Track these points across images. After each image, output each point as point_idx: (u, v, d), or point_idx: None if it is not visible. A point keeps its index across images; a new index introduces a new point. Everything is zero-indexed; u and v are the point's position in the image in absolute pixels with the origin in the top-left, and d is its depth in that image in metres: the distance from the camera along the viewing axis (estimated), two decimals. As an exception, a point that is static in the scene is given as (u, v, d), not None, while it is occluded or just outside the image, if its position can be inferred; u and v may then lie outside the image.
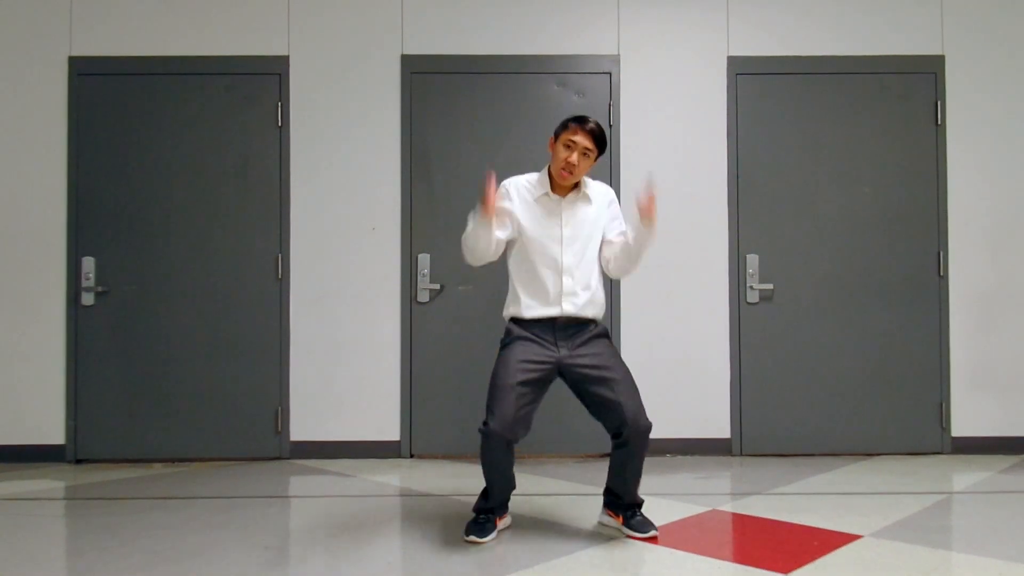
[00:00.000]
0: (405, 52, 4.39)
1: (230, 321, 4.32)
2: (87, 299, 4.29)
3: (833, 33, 4.41)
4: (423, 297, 4.34)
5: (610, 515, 2.94)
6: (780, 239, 4.37)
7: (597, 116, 4.31)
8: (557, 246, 2.81)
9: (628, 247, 2.83)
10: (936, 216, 4.37)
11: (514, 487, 2.88)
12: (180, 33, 4.38)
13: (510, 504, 2.98)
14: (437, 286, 4.33)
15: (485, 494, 2.85)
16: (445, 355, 4.32)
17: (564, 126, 2.84)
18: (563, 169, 2.79)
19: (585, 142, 2.78)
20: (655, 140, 4.40)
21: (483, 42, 4.40)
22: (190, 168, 4.35)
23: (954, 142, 4.39)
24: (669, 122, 4.40)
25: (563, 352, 2.77)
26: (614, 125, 4.37)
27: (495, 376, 2.73)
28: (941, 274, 4.36)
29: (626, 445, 2.72)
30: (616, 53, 4.41)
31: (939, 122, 4.39)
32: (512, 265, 2.91)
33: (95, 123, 4.34)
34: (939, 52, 4.41)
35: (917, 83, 4.41)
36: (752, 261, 4.36)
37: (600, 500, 3.02)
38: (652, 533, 2.79)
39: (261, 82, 4.38)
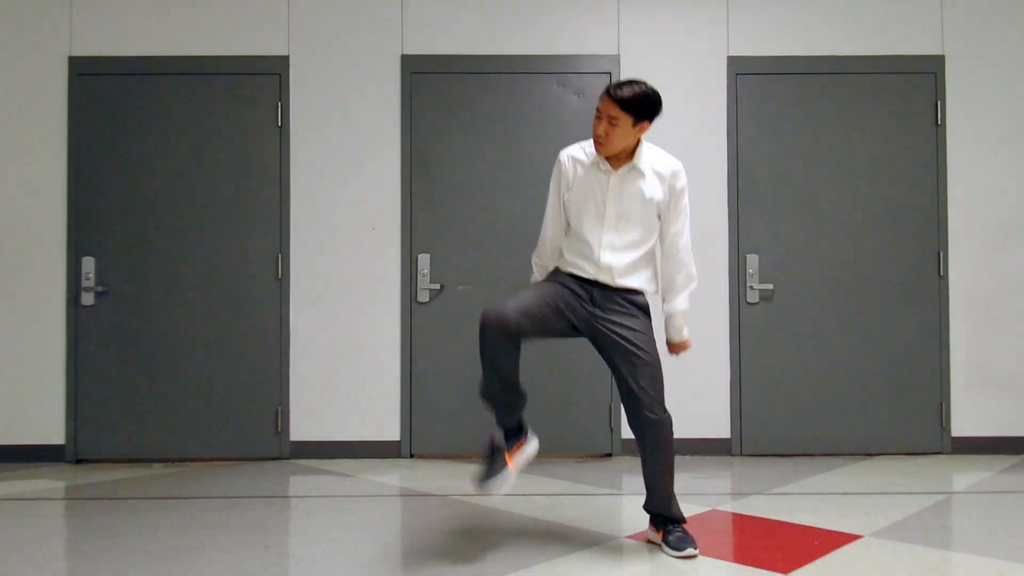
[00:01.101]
0: (405, 52, 4.39)
1: (230, 321, 4.32)
2: (87, 299, 4.29)
3: (833, 33, 4.41)
4: (423, 297, 4.34)
5: (653, 529, 2.75)
6: (780, 239, 4.37)
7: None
8: (599, 223, 2.65)
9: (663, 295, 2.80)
10: (936, 216, 4.37)
11: (524, 397, 2.63)
12: (180, 33, 4.38)
13: (530, 430, 2.74)
14: (437, 286, 4.33)
15: (494, 397, 2.60)
16: (445, 355, 4.32)
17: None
18: (595, 141, 2.63)
19: (609, 109, 2.57)
20: (655, 140, 4.37)
21: (483, 42, 4.40)
22: (190, 168, 4.35)
23: (954, 142, 4.38)
24: (669, 122, 4.37)
25: (596, 312, 2.64)
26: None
27: (523, 289, 2.64)
28: (941, 274, 4.36)
29: (641, 437, 2.62)
30: (616, 53, 4.41)
31: (939, 122, 4.39)
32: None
33: (95, 123, 4.34)
34: (939, 52, 4.41)
35: (917, 83, 4.41)
36: (752, 261, 4.36)
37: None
38: (689, 552, 2.57)
39: (261, 82, 4.38)
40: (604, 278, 2.64)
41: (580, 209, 2.67)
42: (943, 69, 4.40)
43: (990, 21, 4.41)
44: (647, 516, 2.77)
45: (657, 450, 2.63)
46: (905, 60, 4.40)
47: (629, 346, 2.61)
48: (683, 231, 2.76)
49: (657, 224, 2.72)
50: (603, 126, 2.59)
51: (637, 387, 2.58)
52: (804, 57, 4.41)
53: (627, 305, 2.67)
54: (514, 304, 2.48)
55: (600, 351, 2.70)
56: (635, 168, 2.67)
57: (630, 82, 2.63)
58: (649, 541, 2.77)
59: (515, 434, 2.66)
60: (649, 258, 2.74)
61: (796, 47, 4.42)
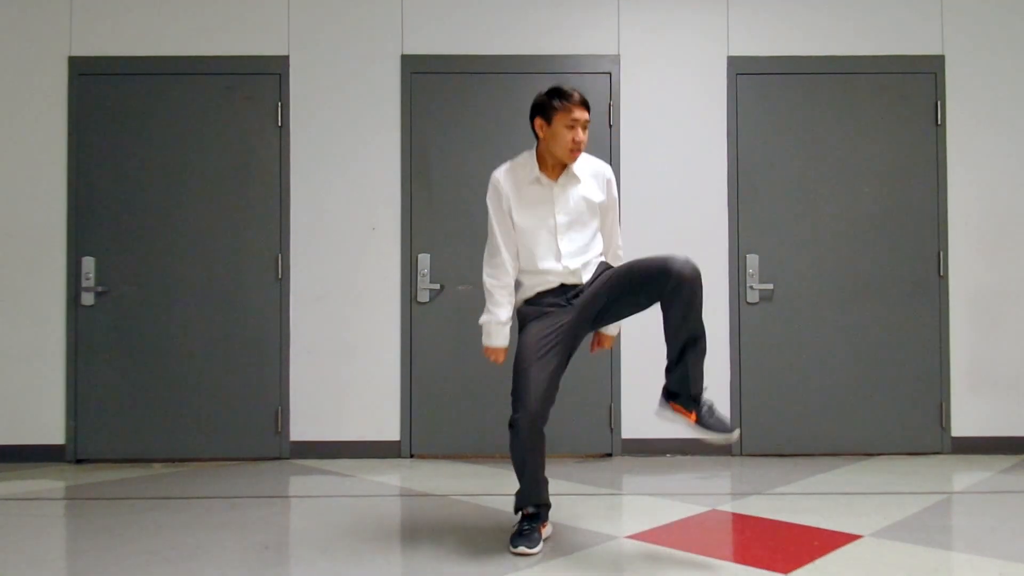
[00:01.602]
0: (405, 52, 4.39)
1: (230, 321, 4.32)
2: (87, 299, 4.29)
3: (833, 33, 4.41)
4: (423, 297, 4.34)
5: (677, 410, 2.63)
6: (780, 239, 4.37)
7: (597, 116, 4.36)
8: (552, 235, 2.71)
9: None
10: (936, 216, 4.37)
11: (546, 493, 2.75)
12: (180, 33, 4.38)
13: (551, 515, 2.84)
14: (437, 286, 4.33)
15: (521, 491, 2.72)
16: (445, 355, 4.32)
17: (554, 106, 2.66)
18: (572, 150, 2.67)
19: (584, 115, 2.67)
20: (655, 140, 4.40)
21: (483, 42, 4.40)
22: (190, 168, 4.35)
23: (954, 142, 4.39)
24: (669, 122, 4.40)
25: (576, 301, 2.69)
26: (614, 125, 4.37)
27: (516, 362, 2.63)
28: (941, 274, 4.36)
29: (678, 290, 2.51)
30: (616, 53, 4.41)
31: (939, 122, 4.39)
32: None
33: (95, 123, 4.34)
34: (939, 52, 4.41)
35: (917, 83, 4.41)
36: (752, 261, 4.36)
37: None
38: (735, 434, 2.57)
39: (261, 82, 4.38)
40: (572, 280, 2.71)
41: (531, 227, 2.71)
42: (943, 69, 4.40)
43: (990, 21, 4.41)
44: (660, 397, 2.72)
45: (696, 297, 2.57)
46: (905, 60, 4.40)
47: (614, 273, 2.65)
48: (616, 222, 2.88)
49: (598, 223, 2.80)
50: (580, 133, 2.67)
51: (646, 259, 2.56)
52: (804, 57, 4.41)
53: (596, 275, 2.74)
54: (534, 397, 2.55)
55: (603, 314, 2.70)
56: (573, 175, 2.74)
57: (571, 89, 2.71)
58: (663, 418, 2.70)
59: (542, 515, 2.75)
60: (600, 250, 2.81)
61: (796, 47, 4.42)
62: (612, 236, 2.87)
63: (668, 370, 2.69)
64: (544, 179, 2.73)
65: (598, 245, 2.80)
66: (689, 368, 2.64)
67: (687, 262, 2.51)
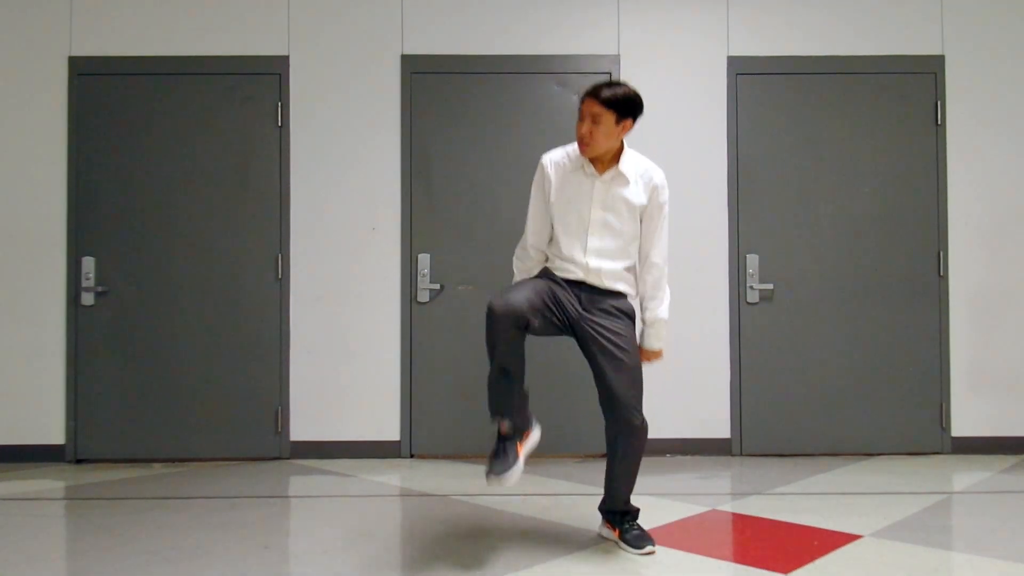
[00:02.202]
0: (405, 52, 4.39)
1: (230, 321, 4.32)
2: (87, 299, 4.29)
3: (833, 33, 4.41)
4: (423, 297, 4.34)
5: (607, 527, 2.80)
6: (780, 239, 4.37)
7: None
8: (584, 228, 2.65)
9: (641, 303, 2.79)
10: (936, 216, 4.37)
11: (527, 396, 2.65)
12: (180, 33, 4.38)
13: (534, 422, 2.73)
14: (437, 286, 4.33)
15: (497, 388, 2.58)
16: (445, 355, 4.32)
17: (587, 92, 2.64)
18: (578, 141, 2.63)
19: (590, 107, 2.57)
20: (655, 140, 4.38)
21: (483, 42, 4.40)
22: (190, 168, 4.35)
23: (954, 142, 4.39)
24: (669, 122, 4.40)
25: (584, 313, 2.64)
26: (614, 125, 4.37)
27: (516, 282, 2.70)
28: (941, 274, 4.36)
29: (615, 442, 2.62)
30: (616, 53, 4.41)
31: (939, 122, 4.39)
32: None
33: (95, 123, 4.34)
34: (939, 52, 4.41)
35: (917, 83, 4.41)
36: (752, 261, 4.36)
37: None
38: (648, 549, 2.62)
39: (261, 82, 4.38)
40: (592, 280, 2.66)
41: (564, 214, 2.67)
42: (943, 69, 4.40)
43: (990, 21, 4.41)
44: (600, 515, 2.83)
45: (629, 455, 2.65)
46: (905, 60, 4.40)
47: (614, 349, 2.60)
48: (664, 245, 2.76)
49: (638, 230, 2.71)
50: (586, 125, 2.59)
51: (620, 390, 2.58)
52: (804, 57, 4.41)
53: (613, 308, 2.67)
54: (520, 296, 2.49)
55: (584, 350, 2.68)
56: (620, 173, 2.67)
57: (610, 83, 2.66)
58: (601, 537, 2.81)
59: (523, 425, 2.65)
60: (631, 263, 2.73)
61: (796, 47, 4.42)
62: (651, 244, 2.72)
63: (605, 497, 2.79)
64: (589, 169, 2.66)
65: (630, 257, 2.71)
66: (620, 507, 2.76)
67: (636, 424, 2.58)
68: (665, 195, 2.72)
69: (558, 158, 2.72)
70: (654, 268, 2.74)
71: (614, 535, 2.75)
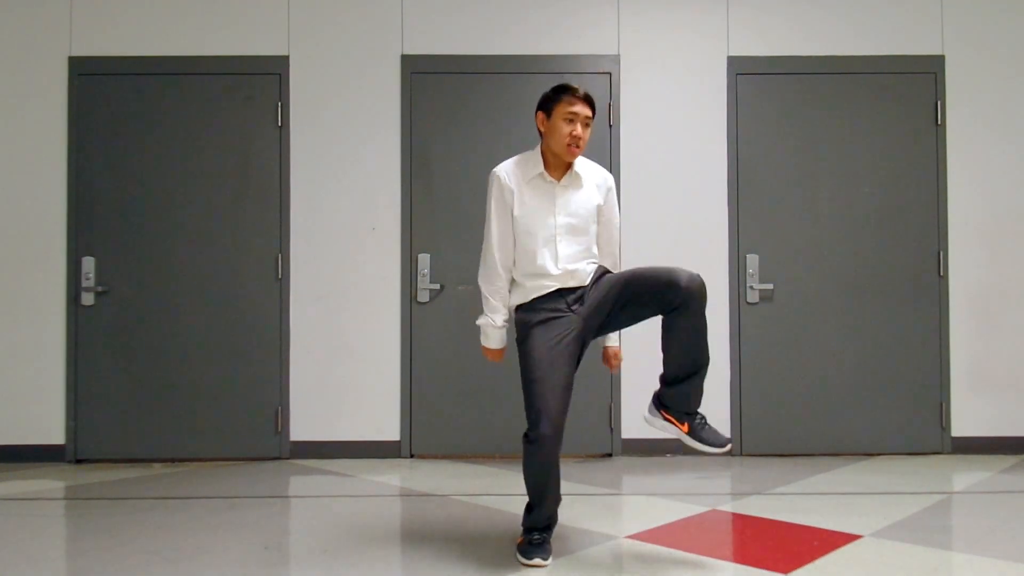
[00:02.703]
0: (405, 52, 4.39)
1: (230, 321, 4.32)
2: (87, 299, 4.29)
3: (833, 33, 4.41)
4: (423, 297, 4.34)
5: (669, 419, 2.60)
6: (780, 239, 4.37)
7: (597, 116, 4.36)
8: (551, 234, 2.62)
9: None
10: (936, 216, 4.37)
11: (560, 499, 2.65)
12: (180, 33, 4.38)
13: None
14: (437, 286, 4.33)
15: (535, 512, 2.58)
16: (445, 355, 4.32)
17: (555, 98, 2.61)
18: (569, 145, 2.59)
19: (585, 111, 2.60)
20: (655, 140, 4.40)
21: (483, 42, 4.40)
22: (190, 168, 4.35)
23: (954, 142, 4.39)
24: (669, 122, 4.40)
25: (578, 308, 2.59)
26: (614, 125, 4.37)
27: (528, 372, 2.51)
28: (941, 274, 4.36)
29: (686, 305, 2.46)
30: (616, 53, 4.41)
31: (939, 122, 4.39)
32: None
33: (95, 123, 4.34)
34: (939, 52, 4.41)
35: (917, 83, 4.41)
36: (752, 261, 4.36)
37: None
38: (728, 446, 2.56)
39: (261, 82, 4.38)
40: (571, 283, 2.62)
41: (530, 225, 2.63)
42: (943, 69, 4.40)
43: (990, 21, 4.41)
44: (653, 409, 2.68)
45: (701, 311, 2.51)
46: (905, 60, 4.40)
47: (619, 281, 2.58)
48: (616, 231, 2.80)
49: (595, 226, 2.72)
50: (579, 129, 2.60)
51: (655, 270, 2.51)
52: (804, 57, 4.41)
53: (593, 283, 2.65)
54: (555, 409, 2.44)
55: (606, 322, 2.62)
56: (576, 176, 2.68)
57: (576, 85, 2.66)
58: (651, 425, 2.66)
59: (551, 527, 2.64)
60: (594, 249, 2.72)
61: (796, 47, 4.42)
62: (610, 240, 2.77)
63: (665, 382, 2.62)
64: (547, 176, 2.65)
65: (594, 255, 2.71)
66: (691, 390, 2.60)
67: (694, 277, 2.46)
68: (616, 197, 2.79)
69: (511, 169, 2.69)
70: (610, 257, 2.78)
71: (680, 429, 2.58)
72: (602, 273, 2.69)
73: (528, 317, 2.62)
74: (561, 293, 2.61)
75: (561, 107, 2.60)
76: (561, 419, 2.44)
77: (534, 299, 2.62)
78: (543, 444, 2.43)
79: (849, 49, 4.41)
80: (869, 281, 4.36)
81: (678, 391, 2.59)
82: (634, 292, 2.54)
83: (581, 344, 2.60)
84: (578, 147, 2.62)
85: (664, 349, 2.58)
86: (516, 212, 2.65)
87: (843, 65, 4.40)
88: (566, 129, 2.59)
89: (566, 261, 2.62)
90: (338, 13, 4.40)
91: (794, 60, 4.41)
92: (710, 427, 2.61)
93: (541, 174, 2.66)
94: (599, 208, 2.71)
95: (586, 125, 2.62)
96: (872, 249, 4.36)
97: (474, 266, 4.33)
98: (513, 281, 2.70)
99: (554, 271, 2.61)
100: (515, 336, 2.67)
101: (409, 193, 4.36)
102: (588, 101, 2.63)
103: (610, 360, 2.90)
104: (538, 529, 2.58)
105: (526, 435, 2.47)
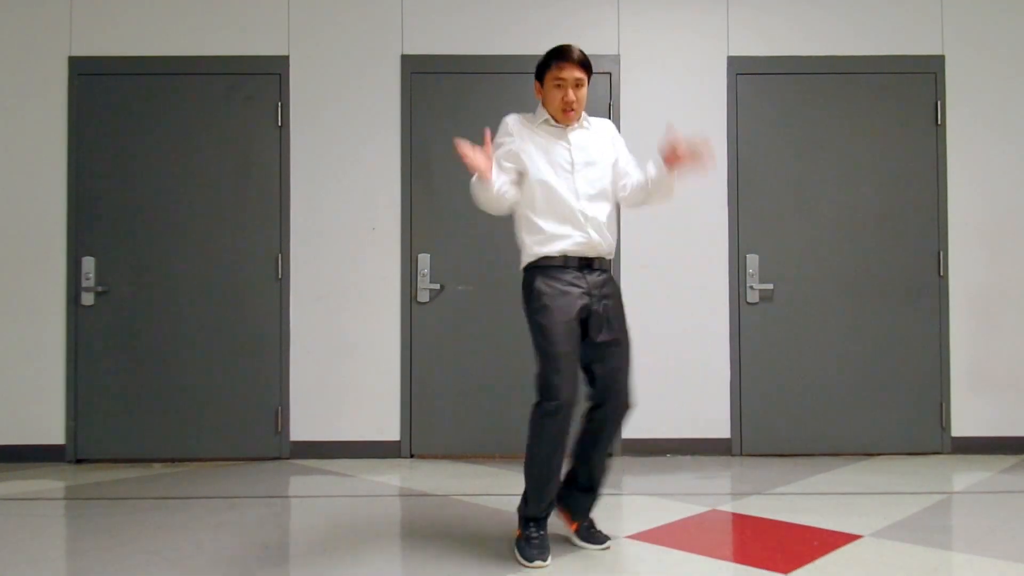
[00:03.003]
0: (405, 52, 4.39)
1: (230, 321, 4.32)
2: (87, 299, 4.29)
3: (833, 33, 4.41)
4: (423, 297, 4.34)
5: (564, 515, 2.73)
6: (780, 239, 4.37)
7: (597, 115, 4.36)
8: (568, 170, 2.59)
9: (647, 186, 2.68)
10: (936, 216, 4.37)
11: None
12: (180, 33, 4.38)
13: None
14: (437, 286, 4.33)
15: (535, 496, 2.56)
16: (445, 355, 4.32)
17: (546, 65, 2.61)
18: (563, 110, 2.60)
19: (573, 73, 2.57)
20: (655, 140, 4.37)
21: (483, 42, 4.40)
22: (190, 168, 4.35)
23: (954, 142, 4.39)
24: (669, 122, 4.39)
25: (592, 298, 2.56)
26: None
27: (545, 342, 2.48)
28: (941, 274, 4.36)
29: (604, 420, 2.58)
30: (616, 53, 4.41)
31: (939, 122, 4.39)
32: (526, 204, 2.63)
33: (95, 123, 4.34)
34: (939, 52, 4.41)
35: (917, 83, 4.41)
36: (752, 261, 4.36)
37: None
38: (608, 544, 2.67)
39: (261, 82, 4.38)
40: (593, 234, 2.58)
41: (546, 164, 2.60)
42: (943, 69, 4.40)
43: (990, 21, 4.41)
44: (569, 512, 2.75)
45: (613, 431, 2.65)
46: (905, 60, 4.40)
47: (616, 333, 2.60)
48: (628, 154, 2.78)
49: (611, 178, 2.69)
50: (572, 92, 2.59)
51: (619, 367, 2.59)
52: (804, 57, 4.41)
53: (613, 291, 2.65)
54: (572, 381, 2.48)
55: (587, 330, 2.58)
56: (583, 121, 2.69)
57: (569, 47, 2.62)
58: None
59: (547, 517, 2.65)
60: (613, 213, 2.70)
61: (796, 47, 4.42)
62: (629, 168, 2.74)
63: (575, 487, 2.70)
64: (553, 121, 2.65)
65: (612, 208, 2.67)
66: (595, 498, 2.74)
67: (626, 397, 2.60)
68: (623, 142, 2.79)
69: (518, 118, 2.70)
70: (636, 172, 2.75)
71: (569, 528, 2.73)
72: (617, 290, 2.68)
73: (546, 286, 2.55)
74: (581, 265, 2.57)
75: (551, 73, 2.60)
76: (576, 394, 2.47)
77: (557, 266, 2.56)
78: (559, 412, 2.44)
79: (849, 49, 4.41)
80: (869, 281, 4.36)
81: (585, 498, 2.71)
82: (592, 353, 2.58)
83: (581, 327, 2.58)
84: (572, 110, 2.61)
85: (583, 458, 2.67)
86: (528, 159, 2.61)
87: (843, 65, 4.40)
88: (558, 95, 2.59)
89: (586, 200, 2.59)
90: (338, 13, 4.40)
91: (794, 60, 4.41)
92: (595, 530, 2.72)
93: (547, 119, 2.66)
94: (616, 163, 2.71)
95: (578, 86, 2.59)
96: (872, 249, 4.36)
97: (474, 266, 4.36)
98: (532, 228, 2.62)
99: (575, 215, 2.56)
100: (525, 302, 2.63)
101: (409, 193, 4.36)
102: (579, 62, 2.59)
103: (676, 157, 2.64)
104: (536, 521, 2.58)
105: (539, 405, 2.47)
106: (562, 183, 2.59)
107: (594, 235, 2.59)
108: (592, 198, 2.61)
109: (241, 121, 4.37)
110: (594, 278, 2.59)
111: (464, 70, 4.39)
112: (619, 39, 4.42)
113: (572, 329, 2.51)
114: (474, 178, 2.57)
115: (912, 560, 2.54)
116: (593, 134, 2.70)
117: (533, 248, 2.61)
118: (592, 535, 2.70)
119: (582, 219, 2.58)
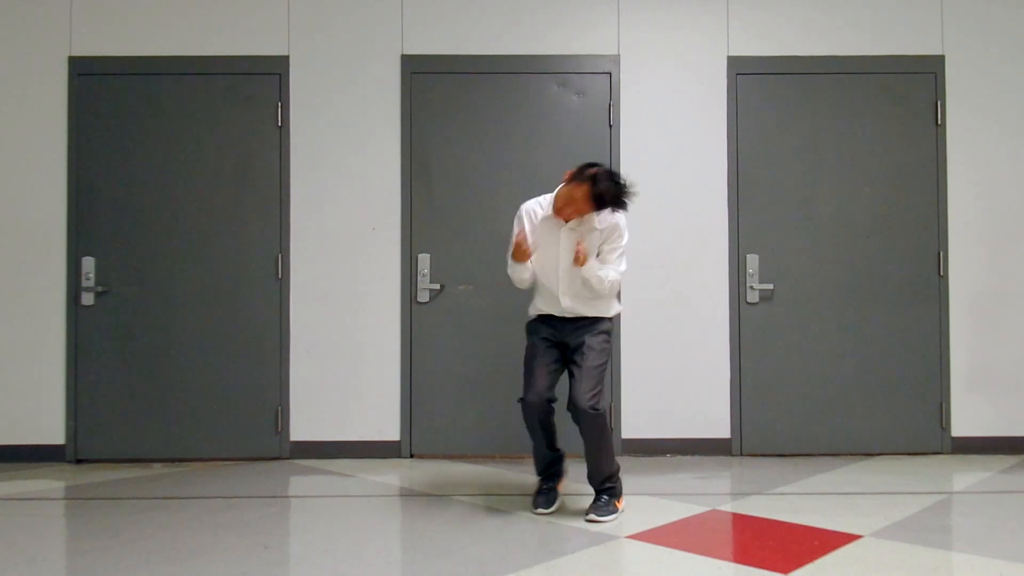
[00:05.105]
0: (405, 52, 4.39)
1: (230, 321, 4.32)
2: (87, 299, 4.29)
3: (833, 33, 4.41)
4: (423, 297, 4.34)
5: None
6: (780, 239, 4.37)
7: (597, 116, 4.38)
8: (554, 269, 3.07)
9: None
10: (936, 216, 4.37)
11: (561, 454, 3.25)
12: (180, 33, 4.38)
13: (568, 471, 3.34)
14: (437, 286, 4.33)
15: (534, 460, 3.23)
16: (445, 355, 4.32)
17: (581, 171, 2.95)
18: (557, 213, 3.01)
19: (584, 207, 2.93)
20: (655, 140, 4.40)
21: (483, 42, 4.40)
22: (190, 168, 4.35)
23: (954, 142, 4.39)
24: (669, 122, 4.40)
25: (566, 337, 3.13)
26: (614, 125, 4.37)
27: (526, 360, 3.15)
28: (941, 274, 4.36)
29: (578, 423, 3.02)
30: (616, 53, 4.41)
31: (939, 122, 4.39)
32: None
33: (95, 123, 4.34)
34: (939, 52, 4.41)
35: (917, 83, 4.41)
36: (752, 261, 4.36)
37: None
38: (610, 518, 3.04)
39: (261, 82, 4.38)
40: (569, 316, 3.11)
41: (540, 258, 3.09)
42: (943, 69, 4.40)
43: (990, 21, 4.41)
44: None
45: (588, 434, 3.02)
46: (905, 60, 4.41)
47: (581, 350, 3.05)
48: (619, 266, 3.11)
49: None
50: (568, 212, 2.98)
51: (576, 377, 3.02)
52: (804, 57, 4.41)
53: (590, 327, 3.10)
54: (540, 385, 3.05)
55: (566, 360, 3.13)
56: (583, 220, 3.03)
57: (602, 176, 2.92)
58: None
59: (558, 476, 3.29)
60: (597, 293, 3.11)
61: (796, 47, 4.42)
62: (605, 263, 3.10)
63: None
64: (555, 218, 3.05)
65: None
66: (596, 476, 3.17)
67: (588, 409, 2.96)
68: (624, 232, 3.09)
69: (533, 207, 3.13)
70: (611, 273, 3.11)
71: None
72: (603, 328, 3.13)
73: (534, 325, 3.22)
74: (562, 319, 3.14)
75: (576, 184, 2.94)
76: (544, 392, 3.05)
77: (540, 315, 3.18)
78: (528, 407, 3.07)
79: (849, 49, 4.41)
80: (869, 281, 4.36)
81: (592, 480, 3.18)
82: (570, 370, 3.10)
83: (561, 350, 3.15)
84: (568, 219, 3.01)
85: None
86: (533, 241, 3.07)
87: (843, 65, 4.40)
88: (563, 201, 2.98)
89: (568, 296, 3.08)
90: (338, 13, 4.40)
91: (794, 60, 4.41)
92: (599, 504, 3.12)
93: (550, 216, 3.06)
94: (599, 246, 3.08)
95: (579, 212, 2.96)
96: (872, 249, 4.36)
97: (474, 266, 4.36)
98: (534, 293, 3.23)
99: (562, 299, 3.08)
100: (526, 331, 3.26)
101: (409, 193, 4.36)
102: (597, 200, 2.91)
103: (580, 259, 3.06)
104: (543, 476, 3.24)
105: (520, 399, 3.10)
106: (551, 277, 3.10)
107: (573, 309, 3.10)
108: (574, 294, 3.08)
109: (241, 121, 4.37)
110: (572, 324, 3.13)
111: (464, 70, 4.39)
112: (619, 39, 4.42)
113: (547, 348, 3.12)
114: (511, 260, 3.10)
115: (912, 560, 2.54)
116: (585, 232, 3.04)
117: (530, 308, 3.26)
118: (595, 507, 3.10)
119: (564, 304, 3.10)
